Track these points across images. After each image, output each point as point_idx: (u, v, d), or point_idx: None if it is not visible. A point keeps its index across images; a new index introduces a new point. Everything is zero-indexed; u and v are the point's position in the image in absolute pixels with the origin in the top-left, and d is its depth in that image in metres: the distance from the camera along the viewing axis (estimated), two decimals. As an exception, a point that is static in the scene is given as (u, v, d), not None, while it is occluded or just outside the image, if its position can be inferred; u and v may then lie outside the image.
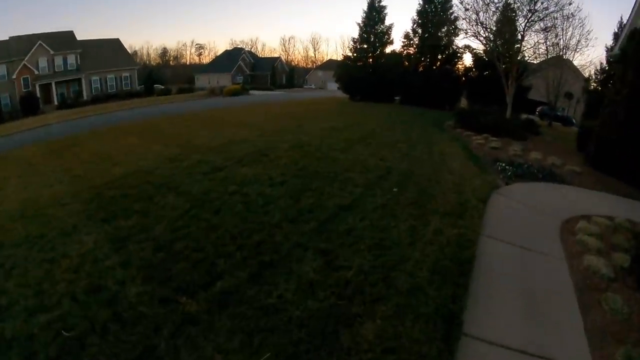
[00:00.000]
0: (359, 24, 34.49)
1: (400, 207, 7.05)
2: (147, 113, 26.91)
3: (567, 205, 8.60)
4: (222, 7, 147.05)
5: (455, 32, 29.95)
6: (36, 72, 46.05)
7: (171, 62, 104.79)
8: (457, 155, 12.15)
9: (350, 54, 35.23)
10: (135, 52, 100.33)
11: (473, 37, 20.54)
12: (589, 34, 21.58)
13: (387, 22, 34.45)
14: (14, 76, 44.58)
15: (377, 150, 11.99)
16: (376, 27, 34.12)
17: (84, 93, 49.43)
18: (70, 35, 51.30)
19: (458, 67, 31.37)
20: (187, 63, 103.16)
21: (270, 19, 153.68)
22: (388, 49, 34.47)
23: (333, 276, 4.88)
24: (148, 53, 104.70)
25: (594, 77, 36.26)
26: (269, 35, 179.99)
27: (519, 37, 19.01)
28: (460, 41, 31.73)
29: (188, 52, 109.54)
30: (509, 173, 10.35)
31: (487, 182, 9.18)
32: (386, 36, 34.30)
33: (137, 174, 9.55)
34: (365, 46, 34.41)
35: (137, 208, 7.14)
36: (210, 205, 7.26)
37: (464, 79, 31.42)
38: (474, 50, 30.50)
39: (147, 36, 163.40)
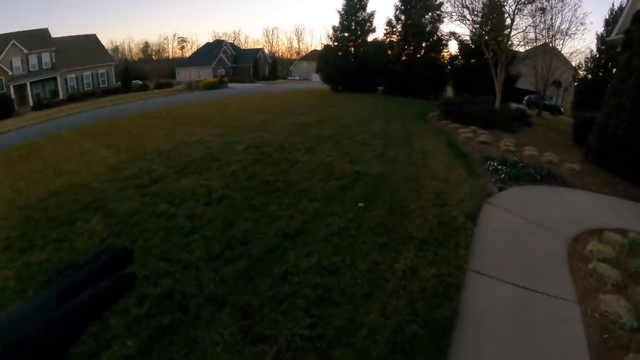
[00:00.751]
0: (339, 12, 32.58)
1: (362, 233, 5.33)
2: (116, 112, 25.78)
3: (572, 217, 6.97)
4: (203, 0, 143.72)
5: (440, 18, 28.23)
6: (10, 73, 43.58)
7: (153, 57, 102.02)
8: (441, 152, 10.45)
9: (330, 43, 33.30)
10: (116, 48, 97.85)
11: (459, 22, 18.68)
12: (586, 16, 19.80)
13: (368, 9, 32.65)
14: (-12, 77, 42.23)
15: (349, 149, 10.28)
16: (357, 14, 32.23)
17: (60, 92, 47.14)
18: (44, 33, 48.78)
19: (443, 56, 29.63)
20: (170, 57, 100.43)
21: (253, 11, 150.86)
22: (370, 38, 32.69)
23: (248, 354, 3.22)
24: (130, 48, 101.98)
25: (584, 64, 34.97)
26: (252, 27, 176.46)
27: (509, 21, 17.20)
28: (445, 27, 30.11)
29: (170, 46, 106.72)
30: (502, 175, 8.67)
31: (477, 189, 7.48)
32: (368, 24, 32.44)
33: (70, 189, 8.16)
34: (346, 35, 32.52)
35: (55, 236, 5.87)
36: (130, 232, 5.74)
37: (449, 67, 29.72)
38: (460, 37, 28.85)
39: (128, 31, 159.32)
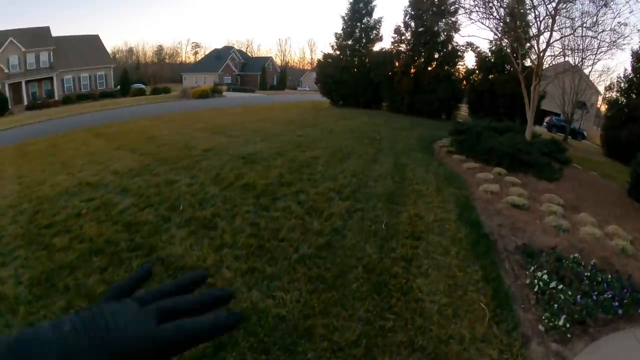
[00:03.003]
0: (342, 17, 28.16)
1: None
2: (90, 120, 23.24)
3: None
4: (220, 7, 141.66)
5: (455, 25, 23.64)
6: (6, 71, 41.41)
7: (167, 60, 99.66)
8: (445, 235, 5.79)
9: (332, 52, 28.88)
10: (130, 49, 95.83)
11: (481, 22, 14.03)
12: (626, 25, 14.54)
13: (375, 15, 28.15)
14: (-17, 75, 40.32)
15: (273, 228, 5.71)
16: (362, 20, 27.81)
17: (55, 92, 44.35)
18: (45, 31, 46.36)
19: (458, 69, 24.91)
20: (184, 62, 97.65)
21: (268, 20, 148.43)
22: (377, 47, 28.15)
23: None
24: (144, 50, 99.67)
25: (616, 85, 30.00)
26: (266, 36, 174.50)
27: (548, 23, 12.38)
28: (461, 38, 25.55)
29: (184, 51, 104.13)
30: (560, 311, 4.11)
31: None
32: (374, 31, 27.96)
33: None
34: (349, 43, 28.06)
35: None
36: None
37: (464, 83, 25.07)
38: (478, 49, 24.29)
39: (144, 34, 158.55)
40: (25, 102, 41.50)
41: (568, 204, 7.82)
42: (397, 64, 24.96)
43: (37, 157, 13.35)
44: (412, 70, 24.65)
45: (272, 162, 9.40)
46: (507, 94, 21.96)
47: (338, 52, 28.53)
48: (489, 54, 24.09)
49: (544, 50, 12.33)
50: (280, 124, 16.94)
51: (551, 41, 12.31)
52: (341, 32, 28.13)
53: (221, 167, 9.19)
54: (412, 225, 5.85)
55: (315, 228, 5.58)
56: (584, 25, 12.39)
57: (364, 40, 27.87)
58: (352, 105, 27.02)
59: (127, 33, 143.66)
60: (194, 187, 7.61)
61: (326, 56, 28.97)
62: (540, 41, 12.71)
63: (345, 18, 27.96)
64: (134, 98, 41.74)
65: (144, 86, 53.70)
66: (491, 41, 23.53)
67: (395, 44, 25.55)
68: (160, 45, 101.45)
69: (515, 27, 12.93)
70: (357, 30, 27.80)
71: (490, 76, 23.76)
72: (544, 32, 12.06)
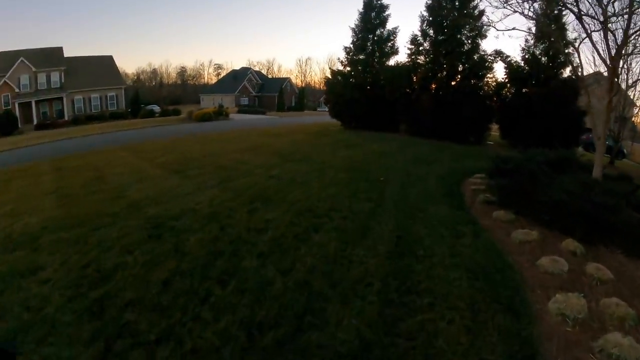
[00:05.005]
0: (352, 29, 24.45)
1: None
2: (70, 147, 21.35)
3: None
4: (241, 28, 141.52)
5: (481, 31, 19.53)
6: (17, 90, 40.82)
7: (190, 82, 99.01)
8: None
9: (341, 68, 25.06)
10: (154, 70, 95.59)
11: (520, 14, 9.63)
12: None
13: (389, 26, 24.27)
14: (-6, 94, 40.03)
15: None
16: (375, 32, 23.98)
17: (65, 112, 43.29)
18: (57, 51, 46.15)
19: (487, 82, 20.59)
20: (206, 83, 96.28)
21: (288, 40, 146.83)
22: (392, 61, 24.22)
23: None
24: (168, 71, 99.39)
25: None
26: (286, 57, 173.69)
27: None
28: (488, 43, 21.40)
29: (206, 72, 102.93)
30: None
31: None
32: (389, 43, 24.05)
33: None
34: (361, 57, 24.25)
35: None
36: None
37: (494, 99, 20.71)
38: (508, 58, 20.02)
39: (168, 55, 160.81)
40: (35, 122, 40.70)
41: None
42: (414, 78, 20.92)
43: None
44: (433, 86, 20.56)
45: (190, 236, 5.63)
46: (546, 112, 17.63)
47: (349, 69, 24.73)
48: (522, 63, 19.83)
49: (624, 44, 7.96)
50: (263, 155, 13.16)
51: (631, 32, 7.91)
52: (351, 45, 24.38)
53: (109, 248, 5.53)
54: None
55: None
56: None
57: (377, 54, 24.00)
58: (366, 128, 23.07)
59: (151, 54, 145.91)
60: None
61: (334, 73, 25.20)
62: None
63: (356, 30, 24.24)
64: (142, 120, 40.24)
65: (157, 107, 51.89)
66: (526, 43, 19.34)
67: (412, 56, 21.53)
68: (183, 67, 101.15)
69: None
70: (369, 43, 24.00)
71: (524, 90, 19.46)
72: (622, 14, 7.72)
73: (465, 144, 18.67)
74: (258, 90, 65.94)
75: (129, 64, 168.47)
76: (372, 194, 7.62)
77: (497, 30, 9.71)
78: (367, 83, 23.82)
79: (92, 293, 4.38)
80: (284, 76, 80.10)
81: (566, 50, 18.36)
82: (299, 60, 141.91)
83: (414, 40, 21.21)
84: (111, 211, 7.71)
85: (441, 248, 5.01)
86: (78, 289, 4.50)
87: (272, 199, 7.33)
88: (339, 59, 25.48)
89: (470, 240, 5.36)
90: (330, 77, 25.53)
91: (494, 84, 20.40)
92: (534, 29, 15.88)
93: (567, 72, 18.95)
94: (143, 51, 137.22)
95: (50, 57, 43.84)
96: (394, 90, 21.20)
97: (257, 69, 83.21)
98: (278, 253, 4.87)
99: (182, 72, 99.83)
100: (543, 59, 19.40)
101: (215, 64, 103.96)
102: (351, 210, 6.54)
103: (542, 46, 19.30)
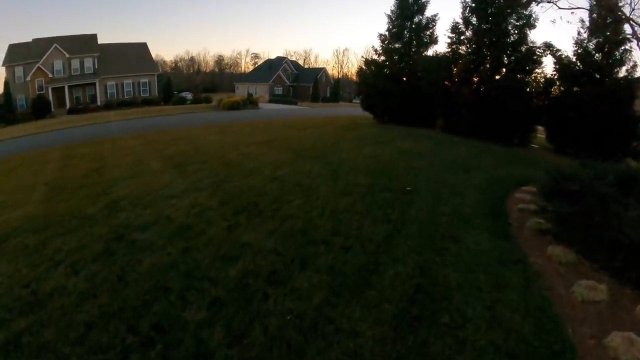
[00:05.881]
0: (388, 15, 22.47)
1: None
2: (100, 132, 21.21)
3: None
4: (279, 17, 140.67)
5: (530, 21, 17.27)
6: (50, 75, 42.56)
7: (227, 70, 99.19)
8: None
9: (376, 57, 23.21)
10: (192, 58, 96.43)
11: None
12: None
13: (428, 13, 22.13)
14: (29, 78, 42.05)
15: None
16: (413, 19, 21.97)
17: (98, 98, 44.57)
18: (91, 38, 47.22)
19: (535, 78, 18.26)
20: (243, 72, 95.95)
21: (326, 30, 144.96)
22: (430, 51, 22.19)
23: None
24: (205, 60, 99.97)
25: None
26: (323, 47, 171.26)
27: None
28: (538, 33, 19.09)
29: (243, 61, 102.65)
30: None
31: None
32: (427, 32, 21.97)
33: None
34: (396, 46, 22.35)
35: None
36: None
37: (542, 98, 18.29)
38: (559, 53, 17.59)
39: (206, 43, 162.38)
40: (68, 106, 42.11)
41: None
42: (454, 70, 18.89)
43: None
44: (475, 79, 18.47)
45: (146, 257, 4.50)
46: (599, 115, 15.31)
47: (383, 58, 22.87)
48: (573, 58, 17.35)
49: None
50: (276, 150, 11.78)
51: None
52: (386, 33, 22.47)
53: (58, 263, 4.66)
54: None
55: None
56: None
57: (414, 43, 22.03)
58: (399, 122, 21.26)
59: (189, 43, 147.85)
60: None
61: (368, 62, 23.38)
62: None
63: (392, 16, 22.25)
64: (172, 107, 39.97)
65: (189, 95, 51.82)
66: (578, 36, 16.90)
67: (453, 46, 19.45)
68: (221, 55, 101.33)
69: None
70: (405, 31, 22.00)
71: (575, 89, 17.00)
72: None
73: (508, 146, 16.60)
74: (293, 80, 64.63)
75: (168, 52, 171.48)
76: (393, 211, 6.02)
77: (559, 8, 7.83)
78: (402, 74, 21.87)
79: (17, 323, 3.36)
80: (320, 67, 78.42)
81: (622, 47, 16.07)
82: (336, 51, 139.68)
83: (454, 29, 19.10)
84: (86, 212, 6.68)
85: (476, 309, 3.42)
86: (8, 314, 3.56)
87: (263, 210, 5.90)
88: (372, 47, 23.65)
89: (517, 296, 3.74)
90: (363, 66, 23.67)
91: (542, 80, 18.03)
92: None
93: (622, 72, 16.51)
94: (182, 39, 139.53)
95: (84, 43, 44.89)
96: (432, 82, 19.24)
97: (293, 59, 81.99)
98: (237, 303, 3.42)
99: (220, 60, 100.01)
100: (597, 55, 16.94)
101: (252, 53, 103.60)
102: (360, 236, 4.99)
103: (595, 40, 16.87)
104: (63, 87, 42.32)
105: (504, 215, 6.37)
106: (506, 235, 5.42)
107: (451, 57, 19.21)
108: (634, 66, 16.12)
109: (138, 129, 20.10)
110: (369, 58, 23.38)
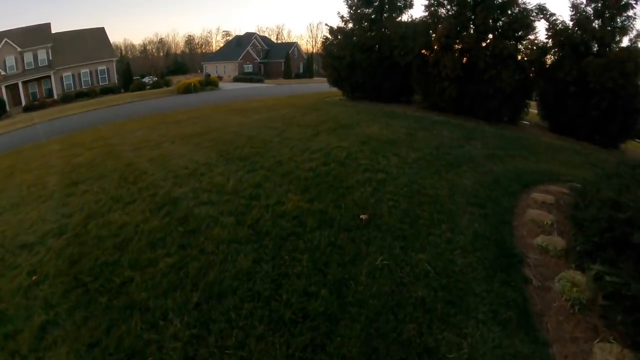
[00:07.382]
0: (357, -24, 19.20)
1: None
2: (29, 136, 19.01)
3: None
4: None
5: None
6: (3, 73, 38.13)
7: (198, 50, 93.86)
8: None
9: (342, 25, 19.96)
10: (161, 40, 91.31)
11: None
12: None
13: (403, -28, 18.89)
14: (-21, 78, 37.28)
15: None
16: (385, -20, 18.73)
17: (54, 91, 40.03)
18: (44, 28, 42.66)
19: (530, 45, 15.32)
20: (214, 51, 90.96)
21: (299, 4, 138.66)
22: (405, 17, 19.08)
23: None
24: (175, 41, 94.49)
25: None
26: (297, 22, 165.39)
27: None
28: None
29: (214, 40, 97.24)
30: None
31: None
32: (402, -5, 18.83)
33: None
34: (366, 11, 19.17)
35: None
36: None
37: (535, 68, 15.36)
38: (553, 18, 14.72)
39: (175, 24, 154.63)
40: (23, 103, 37.79)
41: None
42: (433, 36, 15.81)
43: None
44: (457, 47, 15.45)
45: None
46: (605, 89, 12.74)
47: (351, 25, 19.67)
48: (570, 24, 14.52)
49: None
50: (203, 148, 8.77)
51: None
52: (354, -3, 19.18)
53: None
54: None
55: None
56: None
57: (386, 7, 18.86)
58: (371, 99, 18.38)
59: (158, 24, 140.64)
60: None
61: (333, 31, 20.09)
62: None
63: (361, -22, 18.97)
64: (130, 94, 36.56)
65: (152, 79, 47.74)
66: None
67: (431, 8, 16.31)
68: (191, 35, 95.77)
69: None
70: (376, -6, 18.80)
71: (575, 58, 14.12)
72: None
73: (499, 123, 13.85)
74: (264, 56, 60.41)
75: (136, 35, 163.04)
76: (324, 275, 3.16)
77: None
78: (373, 43, 18.70)
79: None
80: (292, 41, 74.00)
81: (625, 14, 13.63)
82: (310, 25, 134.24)
83: (433, -12, 15.96)
84: None
85: None
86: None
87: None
88: (338, 13, 20.33)
89: None
90: (329, 36, 20.35)
91: (536, 49, 15.06)
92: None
93: (625, 42, 13.94)
94: (150, 21, 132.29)
95: (36, 34, 40.46)
96: (408, 51, 16.18)
97: (265, 34, 77.37)
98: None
99: (190, 40, 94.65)
100: (596, 22, 14.20)
101: (223, 31, 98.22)
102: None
103: (593, 5, 14.15)
104: (17, 84, 38.09)
105: (517, 260, 3.58)
106: (528, 321, 2.61)
107: (430, 21, 16.15)
108: (638, 35, 13.55)
109: (67, 130, 17.34)
110: (336, 27, 20.07)
